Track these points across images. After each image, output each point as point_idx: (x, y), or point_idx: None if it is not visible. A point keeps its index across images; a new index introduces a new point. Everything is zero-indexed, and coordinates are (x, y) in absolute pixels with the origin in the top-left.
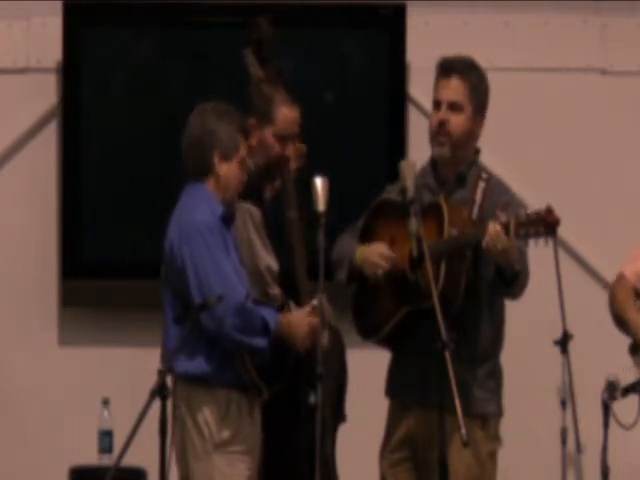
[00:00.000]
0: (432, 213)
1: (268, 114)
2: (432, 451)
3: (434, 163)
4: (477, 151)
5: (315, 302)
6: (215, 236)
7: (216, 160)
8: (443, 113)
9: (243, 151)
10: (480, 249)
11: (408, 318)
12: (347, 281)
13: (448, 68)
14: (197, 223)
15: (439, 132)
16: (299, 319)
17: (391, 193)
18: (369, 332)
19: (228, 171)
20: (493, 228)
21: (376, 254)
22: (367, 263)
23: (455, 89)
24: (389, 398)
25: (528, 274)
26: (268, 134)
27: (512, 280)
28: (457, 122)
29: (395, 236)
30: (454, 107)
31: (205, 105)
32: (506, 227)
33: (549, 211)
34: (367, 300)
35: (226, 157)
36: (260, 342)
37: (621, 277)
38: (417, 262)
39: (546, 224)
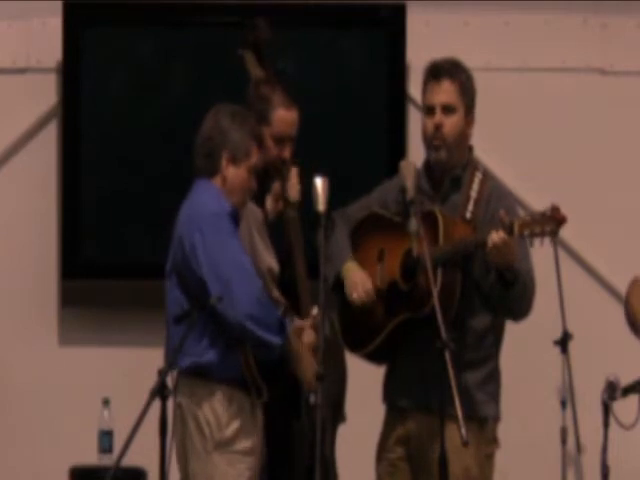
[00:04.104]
0: (427, 223)
1: (265, 115)
2: (429, 453)
3: (428, 167)
4: (470, 149)
5: (315, 311)
6: (227, 224)
7: (224, 161)
8: (438, 117)
9: (254, 158)
10: (473, 253)
11: (400, 328)
12: (332, 285)
13: (438, 71)
14: (209, 212)
15: (435, 137)
16: (305, 354)
17: (389, 192)
18: (359, 344)
19: (235, 175)
20: (497, 236)
21: (360, 283)
22: (349, 283)
23: (447, 91)
24: (386, 404)
25: (534, 286)
26: (265, 135)
27: (513, 281)
28: (451, 124)
29: (384, 249)
30: (448, 110)
31: (222, 106)
32: (509, 228)
33: (555, 210)
34: (354, 313)
35: (234, 160)
36: (274, 339)
37: (636, 281)
38: (411, 270)
39: (555, 222)
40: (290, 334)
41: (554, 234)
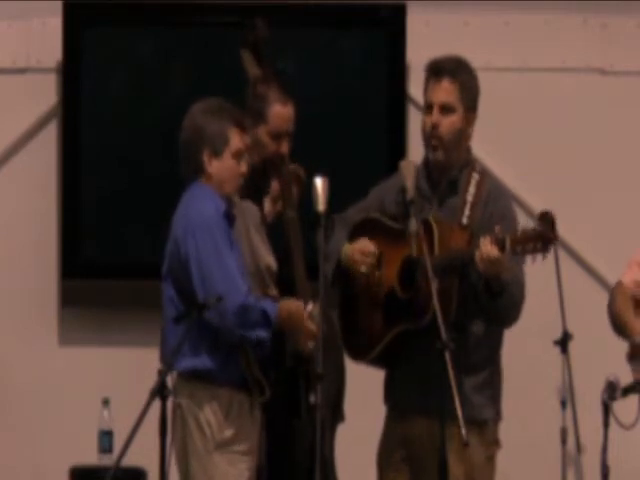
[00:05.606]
0: (423, 232)
1: (261, 112)
2: (430, 456)
3: (427, 165)
4: (468, 149)
5: (310, 308)
6: (221, 232)
7: (205, 159)
8: (435, 116)
9: (236, 142)
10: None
11: (399, 337)
12: (332, 279)
13: (438, 70)
14: (204, 217)
15: (432, 136)
16: (298, 310)
17: (386, 192)
18: (359, 353)
19: (220, 167)
20: (484, 246)
21: (359, 252)
22: (352, 262)
23: (446, 91)
24: (387, 405)
25: (523, 294)
26: (262, 132)
27: (500, 292)
28: (448, 124)
29: (382, 255)
30: (446, 109)
31: (196, 104)
32: (501, 243)
33: (548, 228)
34: (355, 321)
35: (215, 153)
36: (261, 334)
37: (620, 284)
38: (409, 277)
39: (545, 240)
40: (278, 310)
41: (545, 251)
